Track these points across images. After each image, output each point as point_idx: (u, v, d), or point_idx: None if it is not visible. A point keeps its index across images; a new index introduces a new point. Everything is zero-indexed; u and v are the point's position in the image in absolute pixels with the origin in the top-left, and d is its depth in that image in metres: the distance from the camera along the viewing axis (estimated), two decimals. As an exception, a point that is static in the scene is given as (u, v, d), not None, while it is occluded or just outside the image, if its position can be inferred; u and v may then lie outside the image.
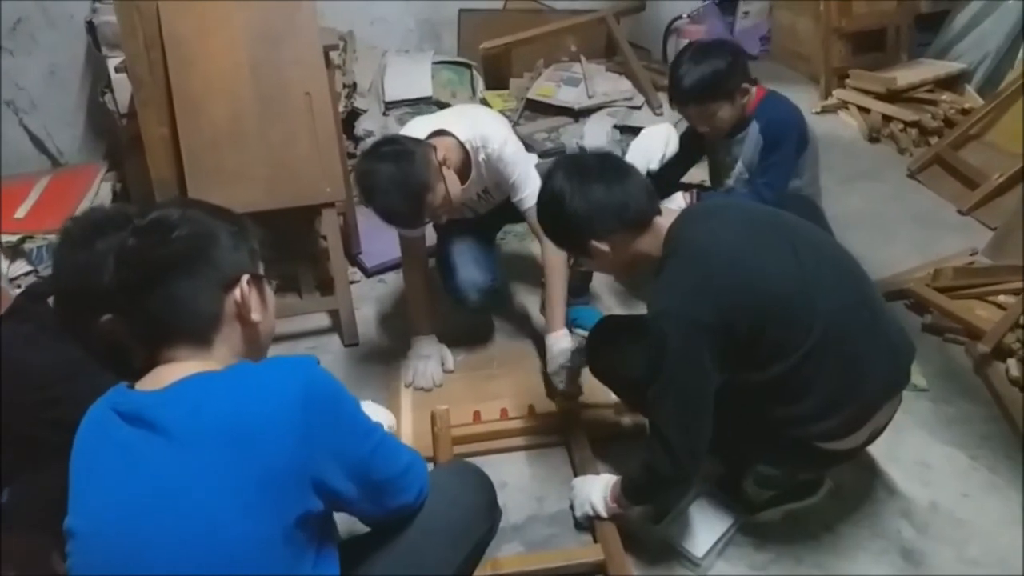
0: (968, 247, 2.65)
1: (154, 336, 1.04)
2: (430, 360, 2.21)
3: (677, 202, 2.15)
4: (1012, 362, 2.13)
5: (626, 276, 1.66)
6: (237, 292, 1.06)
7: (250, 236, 1.12)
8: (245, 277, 1.07)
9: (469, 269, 2.23)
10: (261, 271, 1.14)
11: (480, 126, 2.01)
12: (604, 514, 1.66)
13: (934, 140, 3.23)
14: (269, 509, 0.93)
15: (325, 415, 0.98)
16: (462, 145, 1.98)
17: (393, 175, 1.77)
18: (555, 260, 2.07)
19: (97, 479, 0.97)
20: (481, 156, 2.00)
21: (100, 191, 2.92)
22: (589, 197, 1.50)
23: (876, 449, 1.87)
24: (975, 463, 1.88)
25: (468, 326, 2.35)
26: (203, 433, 0.93)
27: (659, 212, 1.55)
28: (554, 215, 1.57)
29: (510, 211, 2.21)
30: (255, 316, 1.08)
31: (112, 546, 0.94)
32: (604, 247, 1.53)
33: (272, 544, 0.94)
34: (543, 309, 2.30)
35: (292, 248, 2.65)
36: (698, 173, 2.57)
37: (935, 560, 1.65)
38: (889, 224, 2.85)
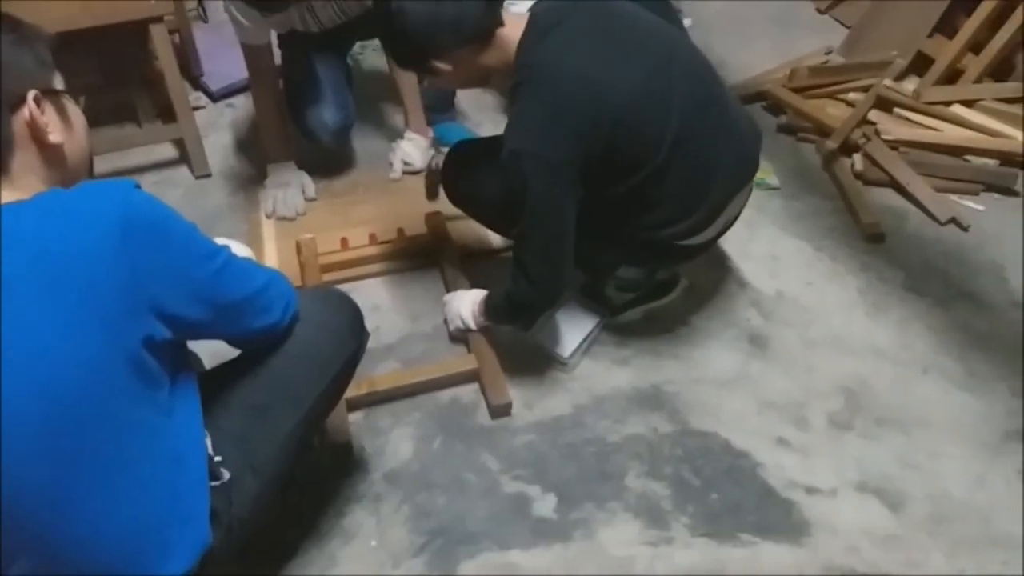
0: (825, 46, 2.70)
1: None
2: (289, 188, 2.10)
3: (521, 7, 2.04)
4: (857, 157, 2.25)
5: (482, 88, 1.55)
6: (25, 111, 0.94)
7: (37, 45, 0.98)
8: (32, 93, 0.94)
9: (320, 107, 2.10)
10: (59, 85, 1.00)
11: None
12: (473, 326, 1.70)
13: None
14: (100, 336, 0.88)
15: (150, 239, 0.91)
16: None
17: None
18: None
19: None
20: None
21: None
22: (419, 12, 1.36)
23: (730, 246, 1.98)
24: (820, 253, 2.02)
25: (328, 150, 2.22)
26: (14, 266, 0.85)
27: (501, 23, 1.43)
28: (387, 34, 1.46)
29: (359, 27, 2.04)
30: (53, 137, 0.96)
31: None
32: (445, 66, 1.43)
33: (112, 371, 0.90)
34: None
35: (125, 73, 2.40)
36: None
37: (779, 343, 1.80)
38: (749, 26, 2.85)
